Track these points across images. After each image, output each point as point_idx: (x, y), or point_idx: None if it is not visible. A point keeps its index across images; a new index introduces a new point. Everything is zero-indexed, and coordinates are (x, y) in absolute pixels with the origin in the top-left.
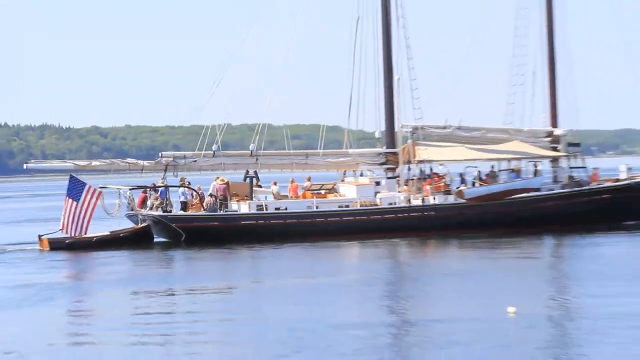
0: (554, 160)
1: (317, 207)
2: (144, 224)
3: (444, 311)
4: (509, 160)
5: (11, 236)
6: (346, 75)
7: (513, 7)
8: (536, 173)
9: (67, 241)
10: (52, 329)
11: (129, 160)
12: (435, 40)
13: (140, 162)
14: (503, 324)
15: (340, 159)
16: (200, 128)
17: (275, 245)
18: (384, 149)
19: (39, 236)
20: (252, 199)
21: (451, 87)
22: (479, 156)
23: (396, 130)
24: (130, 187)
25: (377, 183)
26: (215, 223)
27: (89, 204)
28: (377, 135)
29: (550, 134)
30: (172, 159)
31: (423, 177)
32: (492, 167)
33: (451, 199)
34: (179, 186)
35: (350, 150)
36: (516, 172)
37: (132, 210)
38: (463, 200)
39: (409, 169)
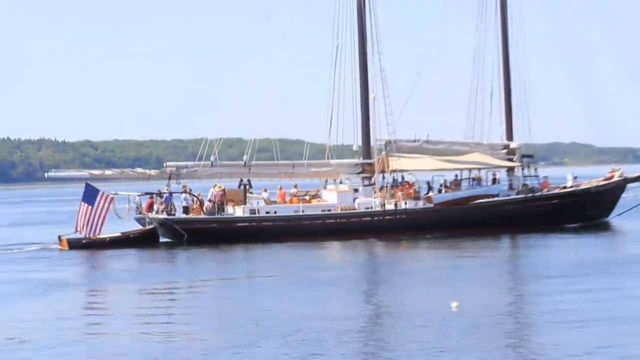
0: (510, 169)
1: (303, 211)
2: (151, 226)
3: (396, 304)
4: (470, 169)
5: (30, 237)
6: (327, 95)
7: (472, 36)
8: (494, 181)
9: (83, 241)
10: (70, 315)
11: (138, 169)
12: (406, 62)
13: (147, 171)
14: (445, 316)
15: (323, 169)
16: (180, 142)
17: (266, 244)
18: (361, 160)
19: (59, 237)
20: (245, 204)
21: (420, 105)
22: (444, 166)
23: (372, 143)
24: (139, 194)
25: (355, 190)
26: (214, 225)
27: (102, 208)
28: (354, 148)
29: (506, 147)
30: (175, 168)
31: (395, 185)
32: (456, 175)
33: (420, 204)
34: (181, 192)
35: (332, 161)
36: (477, 180)
37: (140, 214)
38: (431, 205)
39: (383, 177)
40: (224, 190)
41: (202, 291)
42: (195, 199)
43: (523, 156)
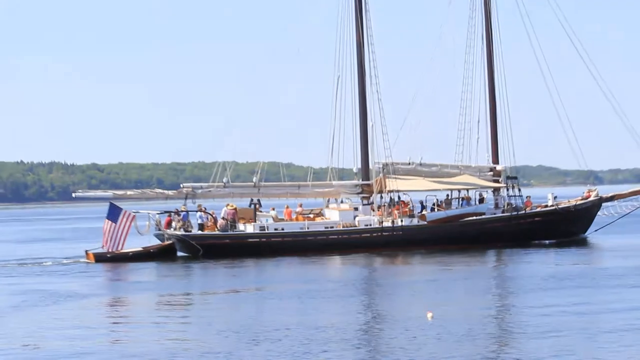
0: (496, 190)
1: (308, 228)
2: (169, 242)
3: (379, 313)
4: (460, 190)
5: (57, 251)
6: (328, 122)
7: (461, 69)
8: (482, 200)
9: (108, 255)
10: (97, 318)
11: (157, 190)
12: (401, 91)
13: (166, 191)
14: (419, 325)
15: (326, 190)
16: (179, 164)
17: (274, 258)
18: (360, 182)
19: (86, 251)
20: (255, 222)
21: (413, 131)
22: (436, 187)
23: (370, 166)
24: (158, 212)
25: (356, 208)
26: (227, 240)
27: (124, 225)
28: (354, 170)
29: (492, 169)
30: (191, 189)
31: (392, 204)
32: (447, 195)
33: (415, 221)
34: (197, 211)
35: (334, 182)
36: (466, 200)
37: (159, 230)
38: (425, 223)
39: (381, 197)
40: (235, 209)
41: (215, 300)
42: (209, 217)
43: (508, 177)
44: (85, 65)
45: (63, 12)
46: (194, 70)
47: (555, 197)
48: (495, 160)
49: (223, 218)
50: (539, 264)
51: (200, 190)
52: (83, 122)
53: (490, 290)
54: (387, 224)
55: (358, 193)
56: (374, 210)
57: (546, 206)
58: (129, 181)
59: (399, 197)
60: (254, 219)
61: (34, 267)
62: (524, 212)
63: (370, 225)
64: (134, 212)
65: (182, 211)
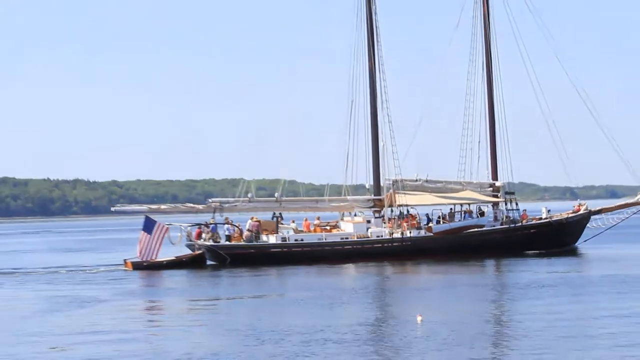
0: (495, 204)
1: (325, 239)
2: (200, 251)
3: (373, 315)
4: (462, 204)
5: (96, 260)
6: (343, 142)
7: (463, 94)
8: (482, 214)
9: (144, 263)
10: (135, 318)
11: (188, 204)
12: (409, 114)
13: (196, 205)
14: (409, 327)
15: (341, 204)
16: (192, 181)
17: (294, 266)
18: (372, 197)
19: (124, 260)
20: (277, 233)
21: (420, 150)
22: (441, 201)
23: (381, 183)
24: (189, 224)
25: (368, 221)
26: (252, 250)
27: (159, 236)
28: (367, 186)
29: (492, 185)
30: (219, 204)
31: (401, 217)
32: (451, 209)
33: (422, 233)
34: (224, 224)
35: (348, 197)
36: (468, 213)
37: (190, 241)
38: (431, 234)
39: (391, 211)
40: (259, 221)
41: (240, 304)
42: (236, 229)
43: (506, 193)
44: (106, 93)
45: (90, 33)
46: (214, 95)
47: (549, 211)
48: (495, 177)
49: (248, 230)
50: (534, 272)
51: (227, 205)
52: (104, 143)
53: (484, 294)
54: (397, 235)
55: (370, 207)
56: (385, 223)
57: (540, 219)
58: (146, 196)
59: (407, 211)
60: (276, 230)
61: (80, 274)
62: (520, 224)
63: (382, 236)
64: (167, 225)
65: (211, 224)
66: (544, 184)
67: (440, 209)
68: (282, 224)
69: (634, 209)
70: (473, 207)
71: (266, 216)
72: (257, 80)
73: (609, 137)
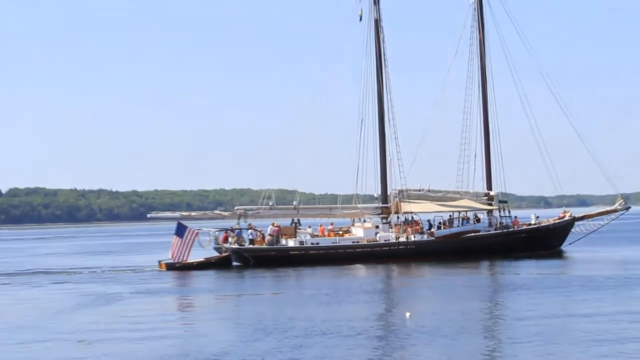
0: (490, 211)
1: (338, 243)
2: (226, 254)
3: (364, 312)
4: (460, 212)
5: (130, 261)
6: (354, 156)
7: (460, 112)
8: (478, 220)
9: (177, 265)
10: (168, 312)
11: (216, 211)
12: (413, 130)
13: (223, 212)
14: (397, 322)
15: (352, 211)
16: (204, 191)
17: (311, 267)
18: (380, 205)
19: (159, 261)
20: (296, 237)
21: (423, 162)
22: (441, 209)
23: (388, 192)
24: (217, 229)
25: (377, 227)
26: (273, 253)
27: (189, 240)
28: (375, 195)
29: (487, 194)
30: (243, 211)
31: (406, 223)
32: (450, 216)
33: (425, 237)
34: (248, 229)
35: (359, 205)
36: (465, 220)
37: (218, 244)
38: (433, 238)
39: (397, 217)
40: (279, 227)
41: (263, 300)
42: (258, 233)
43: (500, 201)
44: (128, 110)
45: (114, 50)
46: (227, 112)
47: (537, 217)
48: (489, 187)
49: (269, 234)
50: (524, 274)
51: (250, 212)
52: (125, 155)
53: (475, 293)
54: (402, 239)
55: (378, 214)
56: (391, 228)
57: (530, 225)
58: (163, 205)
59: (411, 218)
60: (294, 235)
61: (119, 274)
62: (512, 229)
63: (389, 240)
64: (197, 230)
65: (236, 229)
66: (521, 194)
67: (441, 216)
68: (299, 229)
69: (612, 215)
70: (470, 214)
71: (285, 222)
72: (282, 99)
73: (590, 151)
